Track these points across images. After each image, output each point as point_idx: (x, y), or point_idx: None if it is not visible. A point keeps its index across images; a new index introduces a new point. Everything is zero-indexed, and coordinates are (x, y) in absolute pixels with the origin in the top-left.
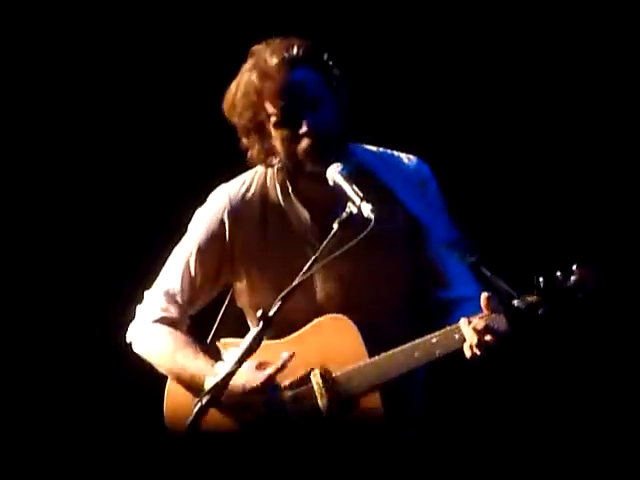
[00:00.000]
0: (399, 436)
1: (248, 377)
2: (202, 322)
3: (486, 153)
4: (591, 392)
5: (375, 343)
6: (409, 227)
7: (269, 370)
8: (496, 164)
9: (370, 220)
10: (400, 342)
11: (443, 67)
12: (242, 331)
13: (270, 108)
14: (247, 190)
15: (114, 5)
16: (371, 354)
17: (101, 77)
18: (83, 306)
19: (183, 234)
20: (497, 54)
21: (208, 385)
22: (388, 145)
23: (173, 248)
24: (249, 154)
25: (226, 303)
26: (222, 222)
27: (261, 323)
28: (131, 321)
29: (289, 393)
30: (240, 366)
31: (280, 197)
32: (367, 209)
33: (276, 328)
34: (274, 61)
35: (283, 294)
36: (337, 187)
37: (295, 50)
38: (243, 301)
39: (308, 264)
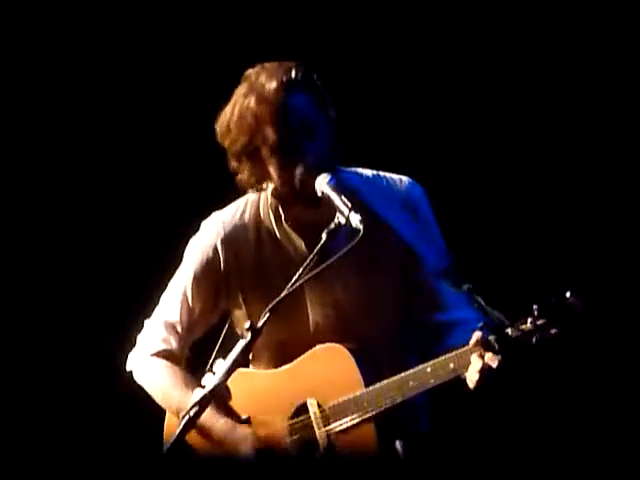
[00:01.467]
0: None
1: (236, 435)
2: (201, 349)
3: (477, 175)
4: (588, 399)
5: (370, 369)
6: (402, 251)
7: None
8: (488, 188)
9: (359, 230)
10: (395, 367)
11: (433, 81)
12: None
13: (267, 133)
14: (240, 218)
15: (106, 23)
16: (366, 381)
17: (83, 109)
18: (85, 334)
19: (181, 261)
20: (487, 70)
21: (196, 397)
22: (380, 166)
23: (173, 275)
24: (238, 178)
25: (225, 330)
26: (216, 250)
27: (249, 334)
28: (131, 348)
29: (287, 423)
30: (228, 378)
31: (274, 224)
32: (356, 219)
33: (271, 355)
34: (273, 85)
35: (271, 305)
36: (325, 198)
37: (293, 74)
38: (242, 328)
39: (296, 276)
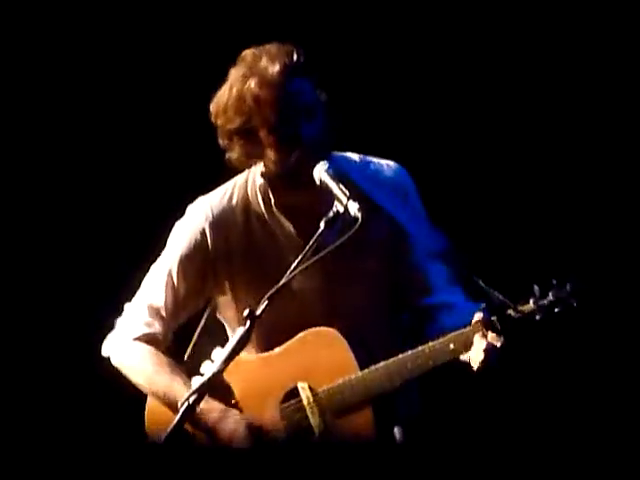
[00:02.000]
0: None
1: (228, 421)
2: (180, 336)
3: (472, 161)
4: (584, 394)
5: (359, 350)
6: (392, 235)
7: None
8: (484, 172)
9: (357, 219)
10: (384, 349)
11: (424, 73)
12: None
13: (268, 115)
14: (229, 201)
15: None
16: (358, 363)
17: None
18: (61, 319)
19: (163, 246)
20: (478, 68)
21: (195, 385)
22: (370, 151)
23: (153, 260)
24: (228, 155)
25: (205, 317)
26: (204, 234)
27: (247, 322)
28: (108, 333)
29: (278, 408)
30: (227, 365)
31: (263, 208)
32: (354, 208)
33: (262, 338)
34: (276, 69)
35: (270, 293)
36: (323, 186)
37: (295, 58)
38: (226, 314)
39: (294, 264)
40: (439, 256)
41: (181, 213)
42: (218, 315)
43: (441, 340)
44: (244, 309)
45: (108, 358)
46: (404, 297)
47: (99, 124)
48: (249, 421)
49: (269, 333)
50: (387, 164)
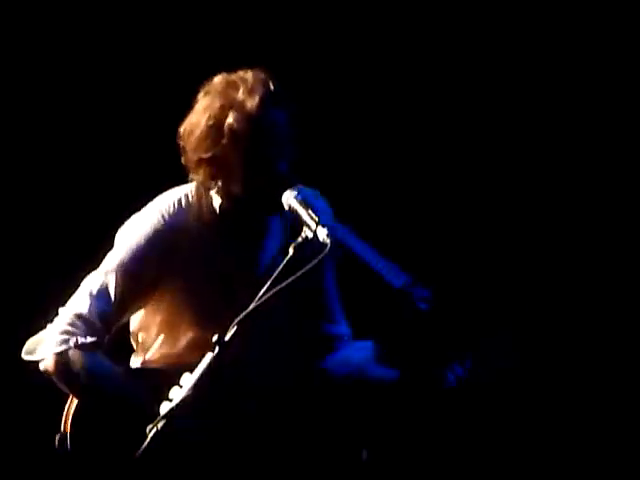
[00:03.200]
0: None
1: None
2: None
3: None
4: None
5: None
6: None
7: None
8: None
9: (326, 244)
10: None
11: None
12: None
13: (244, 147)
14: (181, 207)
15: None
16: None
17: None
18: None
19: (100, 252)
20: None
21: (163, 411)
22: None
23: (87, 265)
24: (191, 176)
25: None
26: (154, 243)
27: (217, 348)
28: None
29: None
30: (197, 392)
31: (216, 216)
32: (323, 233)
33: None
34: (254, 102)
35: (239, 318)
36: (292, 212)
37: (272, 88)
38: (152, 315)
39: (264, 289)
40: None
41: (124, 217)
42: (138, 320)
43: None
44: (169, 317)
45: (36, 360)
46: (310, 319)
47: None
48: None
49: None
50: (311, 190)
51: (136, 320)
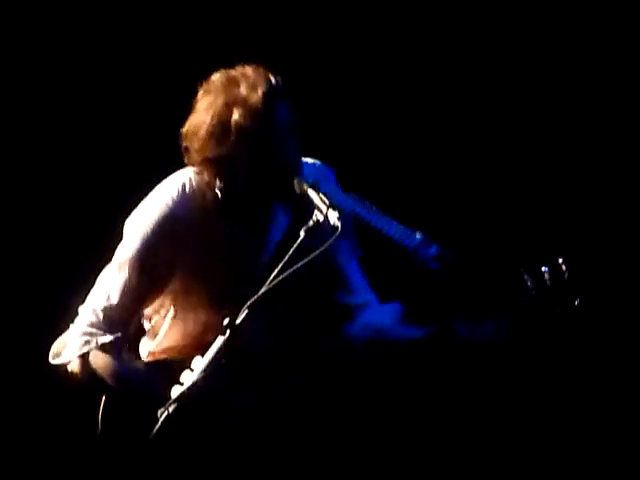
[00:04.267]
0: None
1: None
2: None
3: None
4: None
5: (280, 336)
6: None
7: None
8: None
9: (336, 227)
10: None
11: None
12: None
13: (251, 145)
14: (187, 193)
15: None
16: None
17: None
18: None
19: (112, 245)
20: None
21: (174, 394)
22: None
23: (101, 261)
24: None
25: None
26: (165, 230)
27: (227, 332)
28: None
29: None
30: (207, 375)
31: (220, 209)
32: (334, 217)
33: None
34: (258, 98)
35: (250, 302)
36: (304, 196)
37: (274, 82)
38: (164, 301)
39: (275, 272)
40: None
41: (127, 212)
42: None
43: None
44: (182, 303)
45: (62, 363)
46: (325, 291)
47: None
48: None
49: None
50: (314, 162)
51: (153, 308)
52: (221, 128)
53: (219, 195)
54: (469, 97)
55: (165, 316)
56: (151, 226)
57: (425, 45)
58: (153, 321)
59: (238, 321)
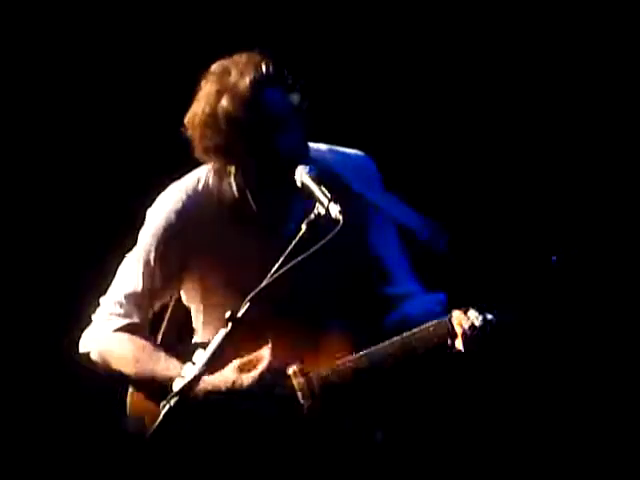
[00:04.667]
0: (370, 438)
1: (236, 378)
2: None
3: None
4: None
5: (321, 334)
6: (356, 222)
7: (260, 368)
8: (472, 157)
9: (338, 221)
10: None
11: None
12: (187, 333)
13: (242, 130)
14: (203, 188)
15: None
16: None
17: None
18: (31, 319)
19: (134, 236)
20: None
21: (176, 387)
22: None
23: (121, 253)
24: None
25: (172, 304)
26: (178, 220)
27: (229, 324)
28: (83, 330)
29: (270, 392)
30: (208, 368)
31: (235, 204)
32: (335, 210)
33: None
34: (245, 83)
35: (251, 295)
36: (305, 189)
37: (264, 69)
38: (194, 300)
39: (276, 266)
40: (427, 241)
41: (151, 201)
42: (185, 302)
43: (424, 326)
44: (208, 301)
45: (85, 354)
46: (365, 284)
47: (61, 117)
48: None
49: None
50: (354, 152)
51: (189, 305)
52: (212, 116)
53: (235, 192)
54: (476, 97)
55: (198, 316)
56: (164, 219)
57: (425, 45)
58: (193, 323)
59: (240, 314)
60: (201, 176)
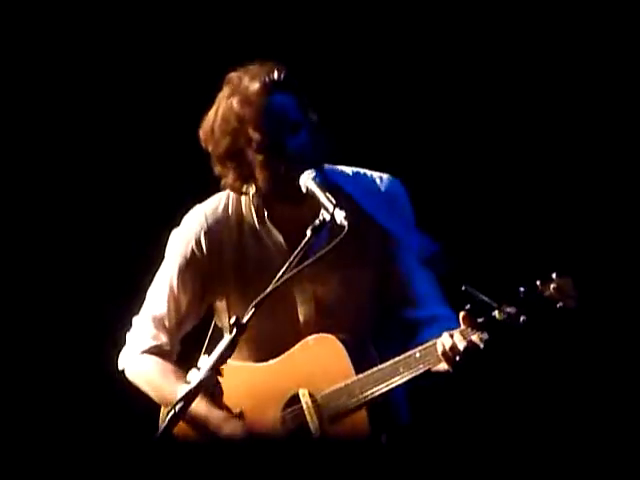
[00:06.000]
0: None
1: (228, 427)
2: (190, 342)
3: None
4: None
5: (359, 358)
6: (381, 245)
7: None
8: (474, 175)
9: (343, 227)
10: (374, 359)
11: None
12: None
13: (251, 133)
14: (223, 211)
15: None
16: (357, 370)
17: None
18: (76, 334)
19: (164, 256)
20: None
21: (181, 393)
22: (364, 164)
23: (156, 271)
24: (223, 182)
25: (213, 323)
26: (199, 242)
27: (234, 330)
28: (121, 348)
29: (279, 414)
30: (213, 373)
31: (255, 220)
32: (340, 216)
33: (252, 348)
34: (255, 86)
35: (256, 301)
36: (310, 195)
37: (275, 75)
38: (223, 321)
39: (281, 272)
40: (427, 261)
41: (178, 221)
42: (217, 321)
43: (430, 343)
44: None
45: (123, 372)
46: (390, 307)
47: (93, 133)
48: (249, 427)
49: (263, 346)
50: (381, 176)
51: (220, 326)
52: (223, 119)
53: (253, 212)
54: (477, 103)
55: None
56: (184, 248)
57: (427, 46)
58: None
59: (245, 320)
60: (222, 197)
